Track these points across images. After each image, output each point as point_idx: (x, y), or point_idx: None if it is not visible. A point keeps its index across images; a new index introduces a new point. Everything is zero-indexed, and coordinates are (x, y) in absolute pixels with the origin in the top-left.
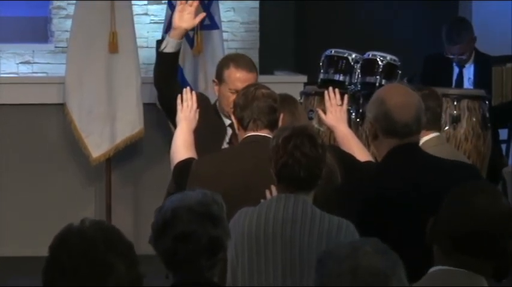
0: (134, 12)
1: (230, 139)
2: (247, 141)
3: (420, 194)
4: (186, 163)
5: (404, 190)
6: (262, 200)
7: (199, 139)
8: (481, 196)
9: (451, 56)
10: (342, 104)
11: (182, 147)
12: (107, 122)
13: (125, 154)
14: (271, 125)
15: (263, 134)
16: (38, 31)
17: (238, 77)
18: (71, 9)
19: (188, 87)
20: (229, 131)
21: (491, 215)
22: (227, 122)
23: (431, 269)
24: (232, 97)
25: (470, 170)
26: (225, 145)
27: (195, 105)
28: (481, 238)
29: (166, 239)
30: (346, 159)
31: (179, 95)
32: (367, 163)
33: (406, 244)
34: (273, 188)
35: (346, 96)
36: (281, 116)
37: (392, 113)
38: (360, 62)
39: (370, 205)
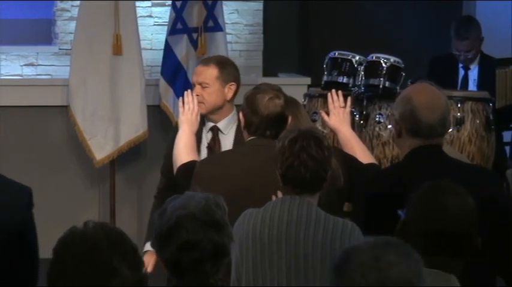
0: (138, 15)
1: (209, 144)
2: (251, 144)
3: None
4: (188, 165)
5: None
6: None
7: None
8: (448, 196)
9: (457, 53)
10: (345, 106)
11: (184, 149)
12: (110, 124)
13: (129, 156)
14: (278, 135)
15: (267, 139)
16: (42, 33)
17: (195, 70)
18: (75, 12)
19: (189, 90)
20: (209, 135)
21: (459, 214)
22: (210, 125)
23: None
24: (194, 90)
25: (490, 175)
26: (203, 149)
27: (196, 107)
28: (450, 238)
29: (171, 248)
30: (349, 161)
31: (180, 98)
32: (370, 165)
33: None
34: (279, 193)
35: (349, 98)
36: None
37: (418, 112)
38: (364, 64)
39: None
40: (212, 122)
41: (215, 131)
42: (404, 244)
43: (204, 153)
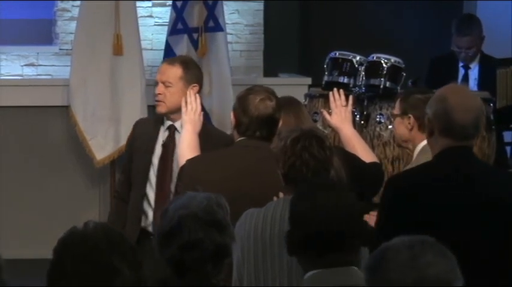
0: (139, 15)
1: (165, 142)
2: (242, 145)
3: (466, 195)
4: None
5: (451, 187)
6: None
7: (134, 155)
8: (320, 194)
9: (457, 50)
10: (346, 105)
11: (187, 149)
12: (111, 124)
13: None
14: (268, 138)
15: (257, 140)
16: (42, 33)
17: (159, 68)
18: (75, 12)
19: (191, 90)
20: (166, 134)
21: (332, 212)
22: (168, 123)
23: (307, 275)
24: (157, 88)
25: None
26: (158, 147)
27: (199, 107)
28: (330, 236)
29: (172, 247)
30: (351, 160)
31: (183, 98)
32: (373, 163)
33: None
34: (281, 194)
35: (351, 97)
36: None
37: (452, 112)
38: (365, 65)
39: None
40: (170, 121)
41: (172, 130)
42: (439, 243)
43: (158, 151)
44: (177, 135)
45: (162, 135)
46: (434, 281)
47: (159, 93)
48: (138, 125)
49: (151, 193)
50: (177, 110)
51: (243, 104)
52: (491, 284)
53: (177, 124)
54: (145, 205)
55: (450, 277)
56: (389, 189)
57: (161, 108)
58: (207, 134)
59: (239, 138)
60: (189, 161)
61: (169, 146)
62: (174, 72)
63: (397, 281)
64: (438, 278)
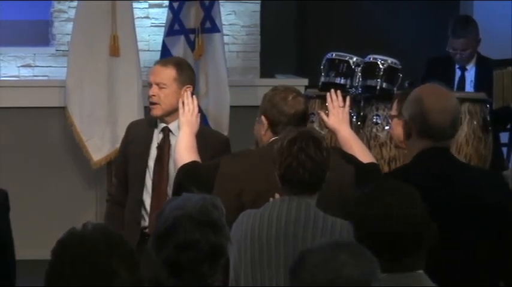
0: (135, 16)
1: (159, 144)
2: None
3: (448, 193)
4: (189, 166)
5: (432, 188)
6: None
7: (130, 159)
8: (392, 196)
9: (453, 51)
10: (344, 106)
11: (185, 150)
12: (107, 126)
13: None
14: None
15: None
16: (39, 34)
17: (152, 70)
18: (72, 13)
19: (189, 91)
20: (160, 136)
21: (405, 214)
22: (161, 126)
23: None
24: (151, 90)
25: (498, 179)
26: (153, 150)
27: (196, 109)
28: (402, 239)
29: (168, 248)
30: (349, 160)
31: (180, 99)
32: (370, 164)
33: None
34: (277, 195)
35: (348, 98)
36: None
37: (428, 114)
38: (361, 66)
39: None
40: (164, 123)
41: (166, 132)
42: (357, 245)
43: (153, 153)
44: (171, 137)
45: (157, 137)
46: (348, 282)
47: (153, 95)
48: (131, 128)
49: (147, 195)
50: (172, 112)
51: (277, 104)
52: (475, 284)
53: (171, 126)
54: (142, 208)
55: (367, 279)
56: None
57: (156, 111)
58: (203, 134)
59: (273, 138)
60: (226, 160)
61: (165, 148)
62: (168, 73)
63: (310, 282)
64: (352, 279)
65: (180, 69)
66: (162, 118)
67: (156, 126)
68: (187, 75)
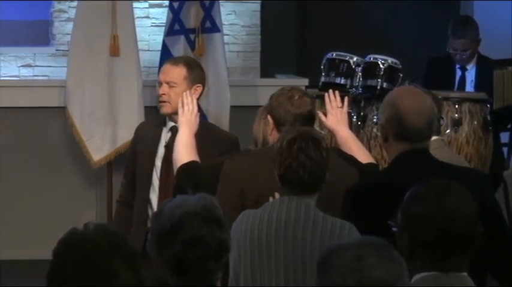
0: (135, 15)
1: (168, 143)
2: None
3: None
4: (189, 166)
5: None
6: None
7: (138, 158)
8: (449, 195)
9: (453, 52)
10: (342, 106)
11: (184, 150)
12: (108, 125)
13: (126, 157)
14: None
15: None
16: (39, 34)
17: (162, 69)
18: (72, 13)
19: (188, 91)
20: (169, 135)
21: (463, 213)
22: (170, 124)
23: (418, 276)
24: (161, 88)
25: (478, 175)
26: (161, 148)
27: (195, 108)
28: (457, 239)
29: (176, 245)
30: (348, 161)
31: (180, 99)
32: (369, 164)
33: None
34: (277, 195)
35: (346, 98)
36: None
37: (404, 117)
38: (361, 65)
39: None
40: (173, 122)
41: (174, 131)
42: (386, 246)
43: (161, 152)
44: None
45: (165, 136)
46: (375, 284)
47: (163, 94)
48: (140, 128)
49: (154, 195)
50: None
51: (283, 103)
52: None
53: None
54: (149, 207)
55: (393, 282)
56: (353, 199)
57: (166, 109)
58: (212, 133)
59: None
60: (234, 159)
61: (172, 147)
62: (179, 72)
63: (338, 281)
64: (379, 281)
65: (190, 68)
66: (171, 117)
67: (164, 125)
68: (198, 74)
